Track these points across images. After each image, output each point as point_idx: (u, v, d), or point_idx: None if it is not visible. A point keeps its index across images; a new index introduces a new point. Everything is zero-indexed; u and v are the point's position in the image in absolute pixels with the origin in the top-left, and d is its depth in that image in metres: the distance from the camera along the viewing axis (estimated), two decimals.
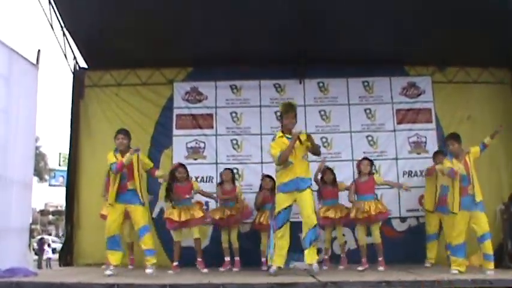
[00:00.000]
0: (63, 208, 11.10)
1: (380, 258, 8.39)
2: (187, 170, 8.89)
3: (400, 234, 9.89)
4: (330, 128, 10.49)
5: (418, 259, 9.05)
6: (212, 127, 10.50)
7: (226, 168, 9.50)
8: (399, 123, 10.50)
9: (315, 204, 7.88)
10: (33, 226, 32.70)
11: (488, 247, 7.48)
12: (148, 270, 7.38)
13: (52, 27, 9.59)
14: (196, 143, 10.42)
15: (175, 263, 8.42)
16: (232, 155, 10.35)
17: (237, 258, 8.94)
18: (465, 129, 10.18)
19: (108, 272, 7.40)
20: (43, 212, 55.87)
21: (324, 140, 10.35)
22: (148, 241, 7.61)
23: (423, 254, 9.18)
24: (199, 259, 8.46)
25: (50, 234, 43.99)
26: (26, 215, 8.58)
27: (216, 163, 10.23)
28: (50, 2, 9.16)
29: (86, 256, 9.94)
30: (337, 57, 9.99)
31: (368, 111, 10.54)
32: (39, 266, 20.99)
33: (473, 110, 10.46)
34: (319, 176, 9.08)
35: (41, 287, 6.38)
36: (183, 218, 8.34)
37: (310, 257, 7.24)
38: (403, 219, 9.98)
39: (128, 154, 7.50)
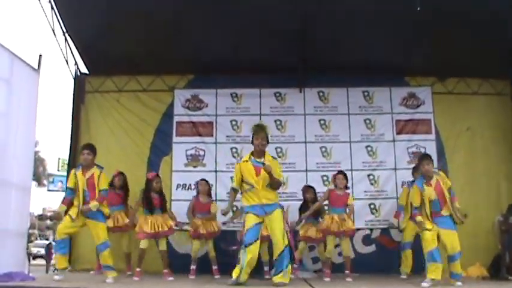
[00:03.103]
0: None
1: (347, 272, 8.46)
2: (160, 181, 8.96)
3: (398, 244, 9.86)
4: (330, 138, 10.47)
5: (416, 269, 9.05)
6: (212, 135, 10.49)
7: (202, 179, 9.36)
8: (399, 133, 10.49)
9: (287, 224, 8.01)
10: (30, 231, 32.61)
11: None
12: (108, 280, 7.38)
13: (54, 32, 9.61)
14: (196, 150, 10.41)
15: (138, 269, 8.36)
16: (232, 163, 10.24)
17: (215, 267, 8.84)
18: (464, 140, 10.25)
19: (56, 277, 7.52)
20: (41, 217, 55.74)
21: (323, 149, 10.36)
22: (106, 257, 7.55)
23: (421, 264, 9.19)
24: (165, 270, 8.51)
25: (47, 239, 43.86)
26: (24, 219, 8.56)
27: (216, 171, 10.21)
28: (52, 7, 9.18)
29: (83, 261, 9.91)
30: (337, 66, 9.99)
31: (368, 121, 10.53)
32: (47, 271, 20.92)
33: (473, 121, 10.47)
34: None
35: None
36: (152, 230, 8.41)
37: (284, 278, 7.06)
38: (401, 230, 9.95)
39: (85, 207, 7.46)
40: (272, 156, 7.51)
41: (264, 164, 7.09)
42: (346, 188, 8.83)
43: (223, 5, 8.59)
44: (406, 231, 9.04)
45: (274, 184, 7.19)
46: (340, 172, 8.97)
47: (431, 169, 7.56)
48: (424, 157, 7.80)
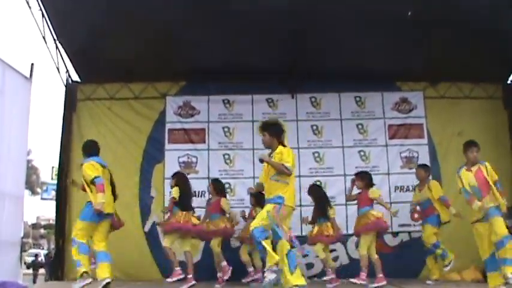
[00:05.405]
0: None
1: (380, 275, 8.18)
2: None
3: (392, 249, 9.87)
4: (322, 143, 10.50)
5: (410, 274, 9.07)
6: (204, 142, 10.49)
7: (214, 179, 9.37)
8: (391, 138, 10.53)
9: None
10: (24, 240, 32.51)
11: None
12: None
13: (45, 40, 9.57)
14: (188, 157, 10.40)
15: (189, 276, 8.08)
16: (225, 169, 10.33)
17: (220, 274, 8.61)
18: (456, 144, 10.21)
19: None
20: (35, 226, 55.63)
21: (316, 154, 10.38)
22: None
23: (415, 268, 9.19)
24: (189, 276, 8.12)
25: (42, 248, 43.73)
26: (18, 228, 8.54)
27: (208, 178, 10.13)
28: (43, 15, 9.15)
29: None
30: (329, 72, 10.02)
31: (360, 126, 10.57)
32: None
33: (465, 124, 10.47)
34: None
35: None
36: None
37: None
38: (395, 234, 9.96)
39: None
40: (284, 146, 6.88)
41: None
42: (367, 186, 8.50)
43: (215, 12, 8.58)
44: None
45: (276, 168, 6.48)
46: (356, 174, 8.83)
47: (476, 157, 7.41)
48: (471, 144, 7.56)
